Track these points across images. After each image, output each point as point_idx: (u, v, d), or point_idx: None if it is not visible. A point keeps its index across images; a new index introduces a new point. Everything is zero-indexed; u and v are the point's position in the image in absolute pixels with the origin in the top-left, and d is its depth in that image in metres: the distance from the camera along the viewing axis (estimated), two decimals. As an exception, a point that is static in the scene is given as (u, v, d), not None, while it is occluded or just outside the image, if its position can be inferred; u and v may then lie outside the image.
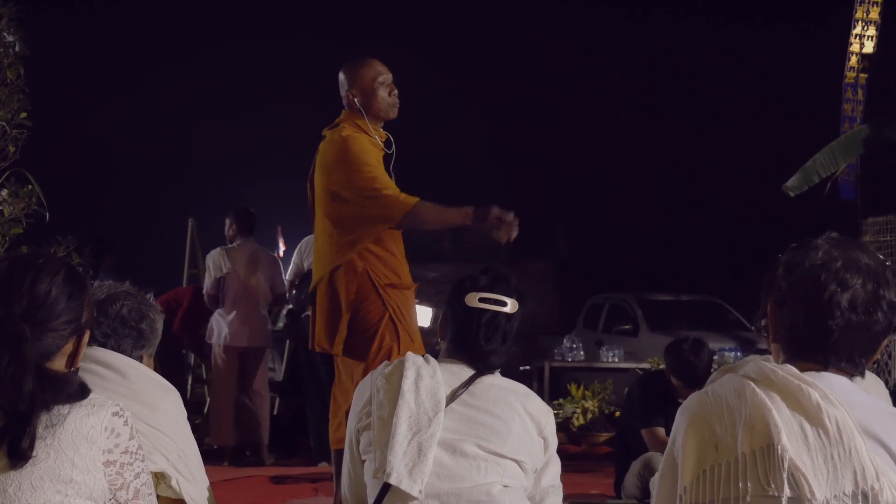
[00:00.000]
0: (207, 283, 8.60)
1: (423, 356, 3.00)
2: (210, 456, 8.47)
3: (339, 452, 4.64)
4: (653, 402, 5.83)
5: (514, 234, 4.68)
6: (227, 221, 8.72)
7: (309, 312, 8.11)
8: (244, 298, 8.51)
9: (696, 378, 5.56)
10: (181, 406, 3.01)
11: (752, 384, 2.00)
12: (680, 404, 5.94)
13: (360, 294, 4.80)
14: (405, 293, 4.86)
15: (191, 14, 20.23)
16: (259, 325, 8.60)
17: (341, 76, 5.00)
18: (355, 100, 4.93)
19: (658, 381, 5.97)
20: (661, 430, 5.75)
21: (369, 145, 4.90)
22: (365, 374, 4.67)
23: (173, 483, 2.82)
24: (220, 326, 8.54)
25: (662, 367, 6.26)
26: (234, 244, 8.63)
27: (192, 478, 2.91)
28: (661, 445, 5.70)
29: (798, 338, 2.08)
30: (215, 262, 8.53)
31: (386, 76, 4.97)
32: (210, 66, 20.41)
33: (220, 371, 8.60)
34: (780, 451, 1.92)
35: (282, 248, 14.73)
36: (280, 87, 20.45)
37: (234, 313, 8.50)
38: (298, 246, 8.75)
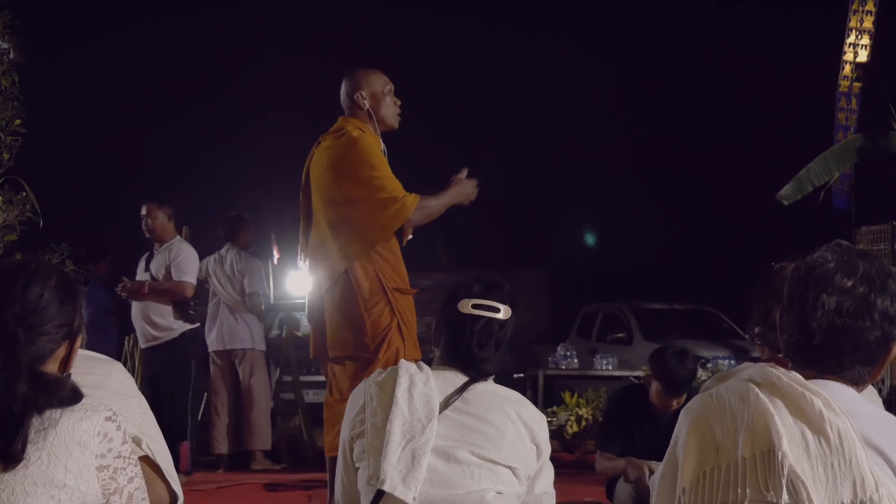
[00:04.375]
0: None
1: (416, 363, 2.99)
2: (205, 464, 8.44)
3: (333, 460, 4.64)
4: (617, 422, 5.77)
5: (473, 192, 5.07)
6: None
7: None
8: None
9: (676, 384, 5.56)
10: (127, 374, 3.06)
11: (756, 389, 1.99)
12: (659, 416, 5.91)
13: (372, 297, 4.80)
14: (408, 298, 4.88)
15: (185, 20, 20.24)
16: (242, 328, 8.60)
17: (347, 80, 5.00)
18: (365, 101, 4.95)
19: (633, 396, 5.89)
20: (613, 456, 5.69)
21: (377, 147, 4.93)
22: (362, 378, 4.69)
23: (143, 445, 2.83)
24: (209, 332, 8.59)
25: (642, 382, 6.23)
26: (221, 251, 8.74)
27: (155, 440, 2.92)
28: (609, 471, 5.68)
29: (790, 342, 2.07)
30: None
31: (392, 87, 5.06)
32: (203, 72, 20.41)
33: (214, 377, 8.61)
34: (780, 456, 1.91)
35: (276, 255, 14.58)
36: (273, 94, 20.44)
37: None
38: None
